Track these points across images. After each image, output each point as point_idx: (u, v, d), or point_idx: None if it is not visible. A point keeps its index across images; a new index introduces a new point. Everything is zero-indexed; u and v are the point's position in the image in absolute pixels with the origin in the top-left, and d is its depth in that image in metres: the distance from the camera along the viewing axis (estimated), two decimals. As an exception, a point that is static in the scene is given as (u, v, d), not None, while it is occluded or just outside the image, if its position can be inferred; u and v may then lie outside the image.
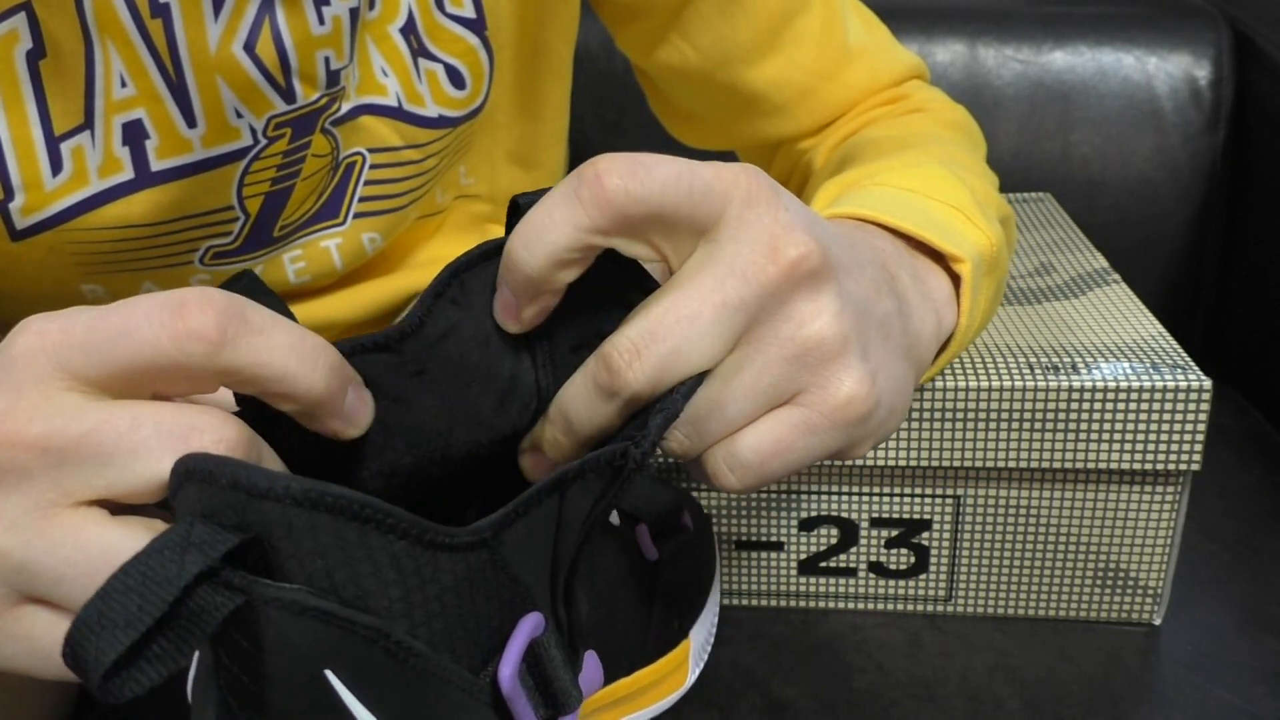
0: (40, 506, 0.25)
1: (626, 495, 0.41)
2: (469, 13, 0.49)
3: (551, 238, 0.29)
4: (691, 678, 0.44)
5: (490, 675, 0.27)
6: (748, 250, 0.30)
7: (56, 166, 0.41)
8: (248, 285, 0.31)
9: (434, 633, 0.25)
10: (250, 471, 0.23)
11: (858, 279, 0.34)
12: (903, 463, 0.49)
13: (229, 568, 0.23)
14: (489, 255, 0.32)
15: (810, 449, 0.33)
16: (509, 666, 0.27)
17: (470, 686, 0.26)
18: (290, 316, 0.29)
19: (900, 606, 0.53)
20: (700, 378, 0.31)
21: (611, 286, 0.33)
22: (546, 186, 0.34)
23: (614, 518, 0.38)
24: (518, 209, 0.32)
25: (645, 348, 0.30)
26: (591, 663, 0.33)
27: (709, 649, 0.42)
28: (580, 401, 0.31)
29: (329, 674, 0.23)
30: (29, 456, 0.25)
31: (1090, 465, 0.47)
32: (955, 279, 0.41)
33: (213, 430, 0.26)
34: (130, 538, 0.25)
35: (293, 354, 0.26)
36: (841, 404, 0.32)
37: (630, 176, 0.29)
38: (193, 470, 0.23)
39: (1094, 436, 0.47)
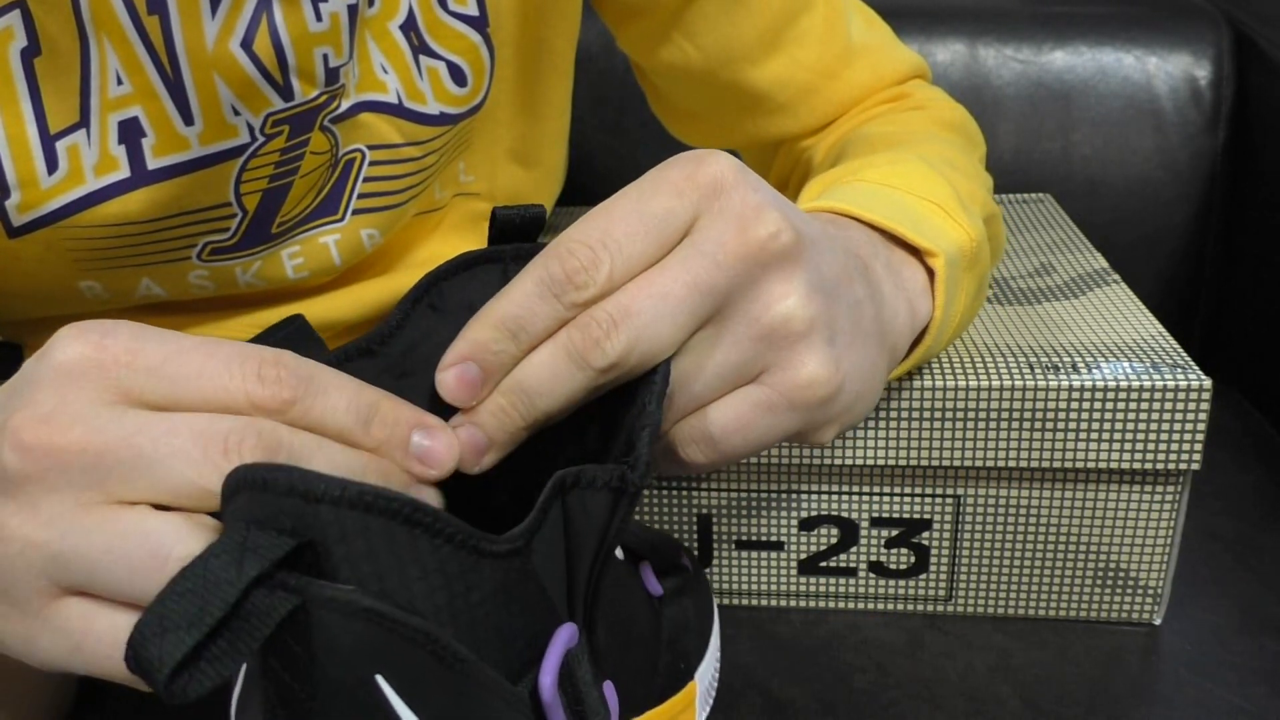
0: (80, 504, 0.26)
1: (627, 533, 0.41)
2: (472, 10, 0.49)
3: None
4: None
5: (529, 686, 0.27)
6: (718, 234, 0.31)
7: (52, 165, 0.41)
8: (299, 328, 0.32)
9: (476, 640, 0.25)
10: (304, 476, 0.23)
11: (830, 262, 0.34)
12: (903, 463, 0.48)
13: (284, 570, 0.23)
14: (468, 265, 0.33)
15: (770, 428, 0.33)
16: (549, 675, 0.27)
17: (511, 696, 0.26)
18: (330, 361, 0.30)
19: (900, 606, 0.53)
20: (668, 379, 0.31)
21: None
22: (534, 203, 0.35)
23: (618, 552, 0.38)
24: (495, 221, 0.33)
25: (621, 320, 0.30)
26: (610, 694, 0.32)
27: (714, 693, 0.41)
28: (547, 370, 0.31)
29: (379, 679, 0.24)
30: (68, 458, 0.26)
31: (1090, 465, 0.47)
32: (931, 273, 0.41)
33: (250, 435, 0.26)
34: (168, 524, 0.25)
35: (348, 415, 0.28)
36: (802, 385, 0.33)
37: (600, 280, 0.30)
38: (245, 479, 0.23)
39: (1094, 436, 0.47)
